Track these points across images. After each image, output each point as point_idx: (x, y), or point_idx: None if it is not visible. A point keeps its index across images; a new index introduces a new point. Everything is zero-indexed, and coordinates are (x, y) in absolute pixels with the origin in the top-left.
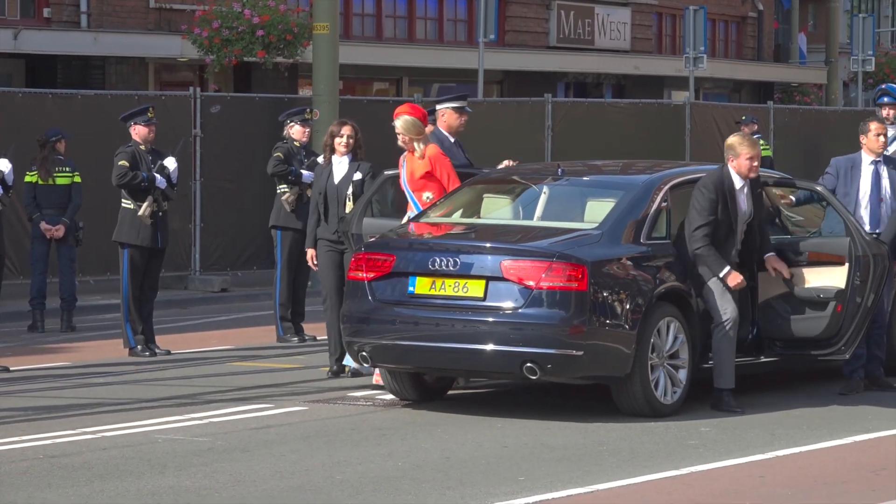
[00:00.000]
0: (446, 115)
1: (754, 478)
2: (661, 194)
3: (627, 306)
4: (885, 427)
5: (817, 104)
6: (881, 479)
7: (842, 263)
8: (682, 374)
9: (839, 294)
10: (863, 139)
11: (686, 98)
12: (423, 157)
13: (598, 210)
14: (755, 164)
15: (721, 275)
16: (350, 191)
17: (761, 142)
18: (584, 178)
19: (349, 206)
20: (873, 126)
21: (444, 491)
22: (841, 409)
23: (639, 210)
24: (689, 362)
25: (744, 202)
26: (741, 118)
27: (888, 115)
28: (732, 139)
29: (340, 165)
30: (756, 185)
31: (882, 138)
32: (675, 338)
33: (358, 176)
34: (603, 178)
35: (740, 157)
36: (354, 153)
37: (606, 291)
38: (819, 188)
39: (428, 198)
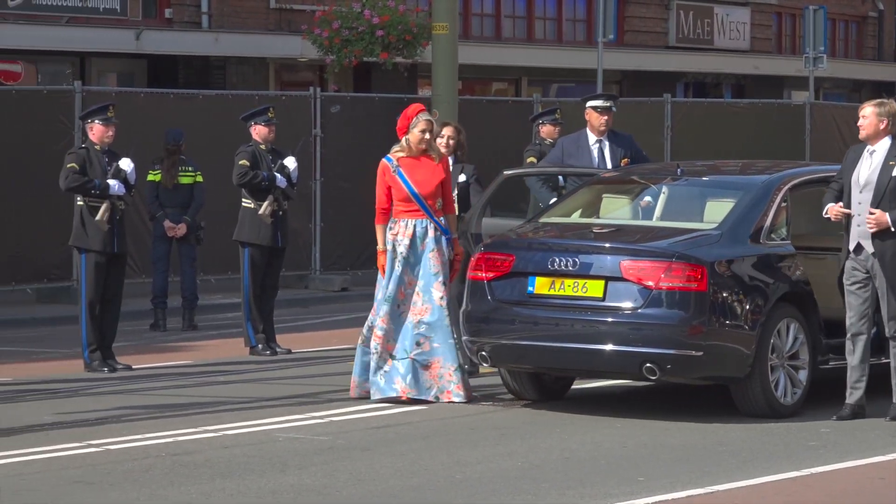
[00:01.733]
0: (588, 114)
1: (874, 479)
2: (781, 195)
3: (747, 307)
4: None
5: None
6: None
7: None
8: (802, 375)
9: None
10: None
11: (806, 98)
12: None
13: (717, 210)
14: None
15: None
16: (455, 193)
17: None
18: (704, 178)
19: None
20: None
21: (563, 491)
22: None
23: (758, 210)
24: (809, 363)
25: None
26: None
27: None
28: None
29: None
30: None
31: None
32: (795, 338)
33: (462, 178)
34: (722, 178)
35: None
36: (456, 154)
37: (726, 292)
38: None
39: (440, 205)
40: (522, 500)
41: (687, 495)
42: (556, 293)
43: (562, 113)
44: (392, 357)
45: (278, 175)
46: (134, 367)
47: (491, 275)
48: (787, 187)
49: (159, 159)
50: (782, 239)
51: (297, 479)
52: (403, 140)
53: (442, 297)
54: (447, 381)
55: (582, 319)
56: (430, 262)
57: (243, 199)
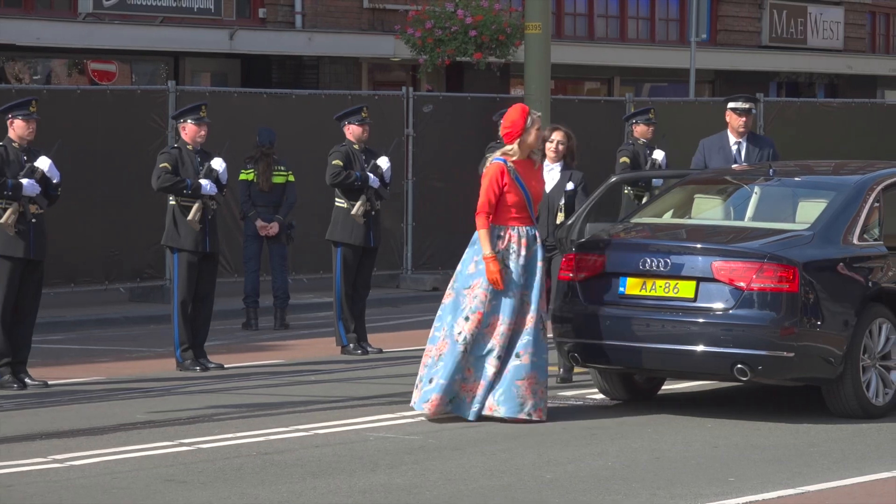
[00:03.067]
0: (728, 115)
1: None
2: (874, 195)
3: (839, 308)
4: None
5: None
6: None
7: None
8: (895, 376)
9: None
10: None
11: None
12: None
13: (809, 211)
14: None
15: None
16: (562, 202)
17: None
18: (796, 179)
19: (560, 217)
20: None
21: (654, 491)
22: None
23: (851, 211)
24: None
25: None
26: None
27: None
28: None
29: (551, 173)
30: None
31: None
32: (888, 339)
33: (570, 186)
34: (814, 178)
35: None
36: (565, 160)
37: (817, 293)
38: None
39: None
40: (612, 500)
41: (778, 496)
42: (648, 294)
43: (655, 113)
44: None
45: (371, 175)
46: (226, 366)
47: (582, 275)
48: (879, 187)
49: (252, 159)
50: (875, 239)
51: (387, 479)
52: (516, 143)
53: (543, 311)
54: (539, 398)
55: (673, 320)
56: (541, 271)
57: (336, 199)
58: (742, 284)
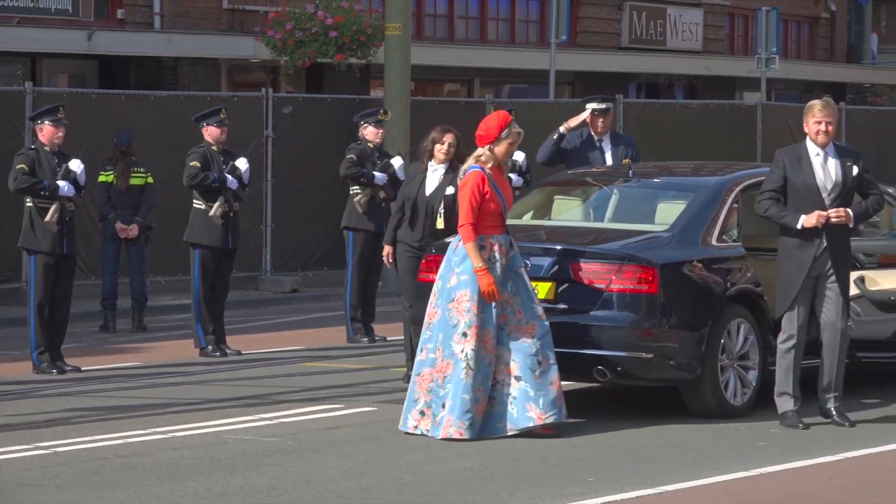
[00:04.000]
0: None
1: (823, 479)
2: (733, 196)
3: (697, 308)
4: None
5: (889, 105)
6: None
7: None
8: (752, 376)
9: None
10: None
11: (758, 99)
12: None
13: (668, 212)
14: (822, 128)
15: (799, 225)
16: (441, 207)
17: None
18: (655, 180)
19: (440, 222)
20: None
21: (512, 492)
22: None
23: (710, 212)
24: (759, 363)
25: (823, 172)
26: None
27: None
28: (811, 102)
29: (435, 174)
30: (848, 158)
31: None
32: (746, 339)
33: (450, 190)
34: (674, 179)
35: (809, 120)
36: (451, 163)
37: (676, 294)
38: (891, 190)
39: None
40: (471, 501)
41: (637, 496)
42: None
43: (516, 113)
44: (518, 379)
45: (229, 176)
46: (83, 368)
47: None
48: (738, 189)
49: (110, 160)
50: (733, 240)
51: (245, 481)
52: (487, 149)
53: (542, 312)
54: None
55: None
56: (524, 276)
57: (194, 201)
58: (601, 286)
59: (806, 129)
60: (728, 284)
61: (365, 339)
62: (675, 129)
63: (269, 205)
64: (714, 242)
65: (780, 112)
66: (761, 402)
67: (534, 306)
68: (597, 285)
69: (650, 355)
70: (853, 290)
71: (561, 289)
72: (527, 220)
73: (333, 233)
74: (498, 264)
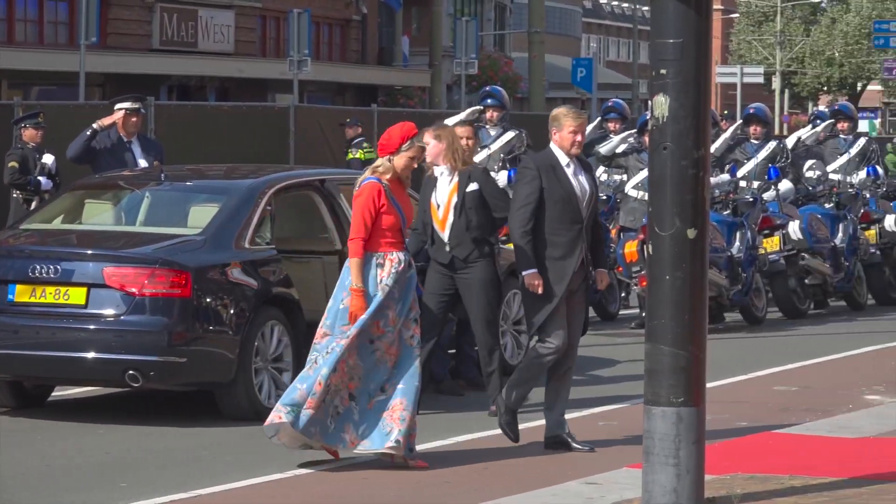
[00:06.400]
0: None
1: (358, 479)
2: (266, 199)
3: (232, 311)
4: (482, 428)
5: (421, 107)
6: (484, 478)
7: None
8: (287, 377)
9: None
10: None
11: (290, 101)
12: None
13: (201, 215)
14: (579, 138)
15: (524, 273)
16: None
17: (364, 145)
18: (188, 183)
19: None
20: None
21: (41, 499)
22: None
23: (242, 215)
24: (293, 365)
25: (575, 182)
26: (346, 120)
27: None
28: (558, 110)
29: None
30: (589, 168)
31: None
32: (279, 341)
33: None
34: (206, 182)
35: (563, 129)
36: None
37: (210, 297)
38: None
39: None
40: None
41: (170, 499)
42: (38, 300)
43: (45, 116)
44: (352, 398)
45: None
46: None
47: None
48: (271, 191)
49: None
50: (267, 243)
51: None
52: (386, 159)
53: (412, 336)
54: (408, 426)
55: (64, 327)
56: (415, 299)
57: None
58: (134, 290)
59: (556, 138)
60: (262, 287)
61: None
62: (208, 131)
63: None
64: (247, 245)
65: (314, 114)
66: None
67: (410, 331)
68: (129, 290)
69: (183, 359)
70: None
71: (93, 294)
72: (57, 224)
73: None
74: (390, 279)
